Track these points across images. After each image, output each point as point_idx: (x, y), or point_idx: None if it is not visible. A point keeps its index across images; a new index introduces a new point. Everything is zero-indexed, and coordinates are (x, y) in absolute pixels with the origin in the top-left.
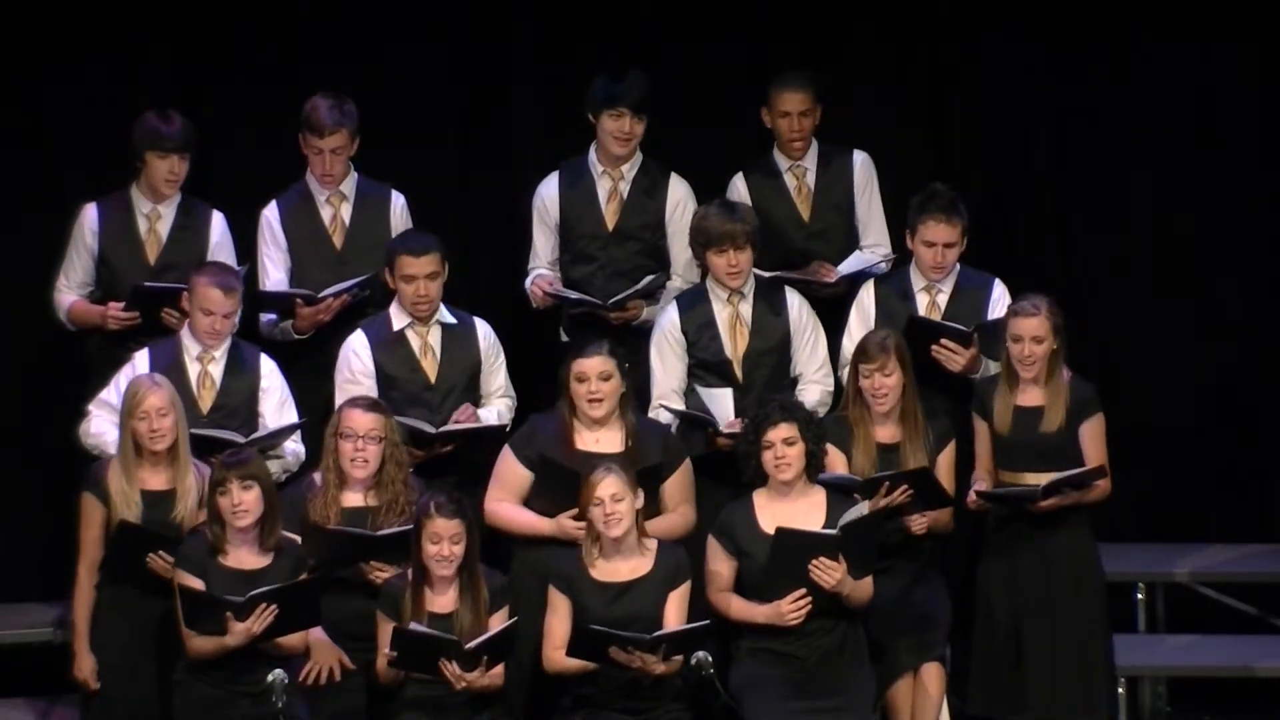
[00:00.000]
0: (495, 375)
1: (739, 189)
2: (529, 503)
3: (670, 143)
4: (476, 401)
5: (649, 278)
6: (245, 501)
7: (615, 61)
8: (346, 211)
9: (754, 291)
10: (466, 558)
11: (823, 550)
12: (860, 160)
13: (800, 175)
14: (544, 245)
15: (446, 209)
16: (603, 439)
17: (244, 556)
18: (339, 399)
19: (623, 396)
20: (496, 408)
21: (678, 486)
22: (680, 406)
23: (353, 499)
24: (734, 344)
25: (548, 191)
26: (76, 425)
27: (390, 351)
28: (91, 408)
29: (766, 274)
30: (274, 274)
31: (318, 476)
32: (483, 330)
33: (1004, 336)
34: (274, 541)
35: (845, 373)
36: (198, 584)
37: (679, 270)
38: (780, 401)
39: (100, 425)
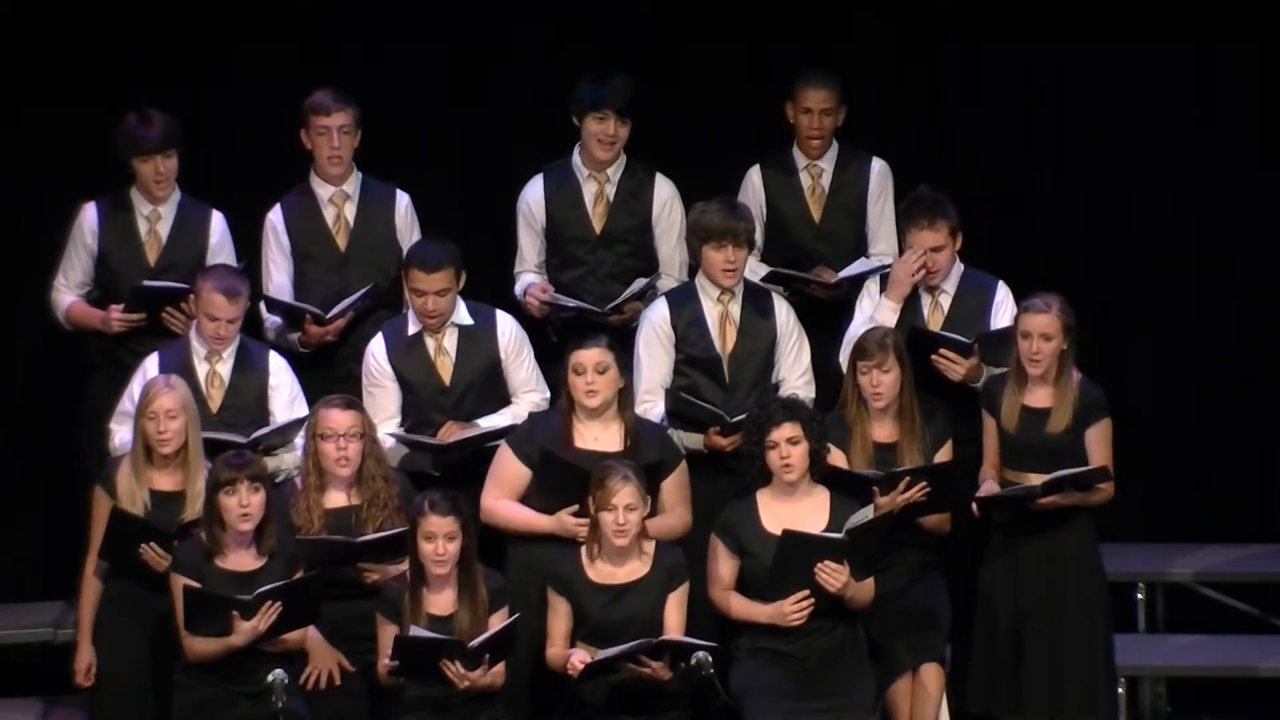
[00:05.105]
0: (519, 370)
1: (753, 181)
2: (527, 501)
3: (667, 143)
4: (504, 398)
5: (643, 281)
6: (253, 504)
7: (608, 62)
8: (350, 212)
9: (743, 293)
10: (463, 557)
11: (828, 553)
12: (878, 168)
13: (816, 175)
14: (530, 249)
15: (446, 209)
16: (602, 437)
17: (240, 558)
18: (365, 401)
19: (621, 393)
20: (514, 408)
21: (675, 487)
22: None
23: (335, 499)
24: (723, 342)
25: (533, 195)
26: (104, 443)
27: (406, 355)
28: (113, 425)
29: (767, 269)
30: (277, 278)
31: (299, 479)
32: (503, 325)
33: (1014, 334)
34: (271, 543)
35: (845, 368)
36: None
37: (670, 270)
38: (783, 400)
39: (125, 437)
